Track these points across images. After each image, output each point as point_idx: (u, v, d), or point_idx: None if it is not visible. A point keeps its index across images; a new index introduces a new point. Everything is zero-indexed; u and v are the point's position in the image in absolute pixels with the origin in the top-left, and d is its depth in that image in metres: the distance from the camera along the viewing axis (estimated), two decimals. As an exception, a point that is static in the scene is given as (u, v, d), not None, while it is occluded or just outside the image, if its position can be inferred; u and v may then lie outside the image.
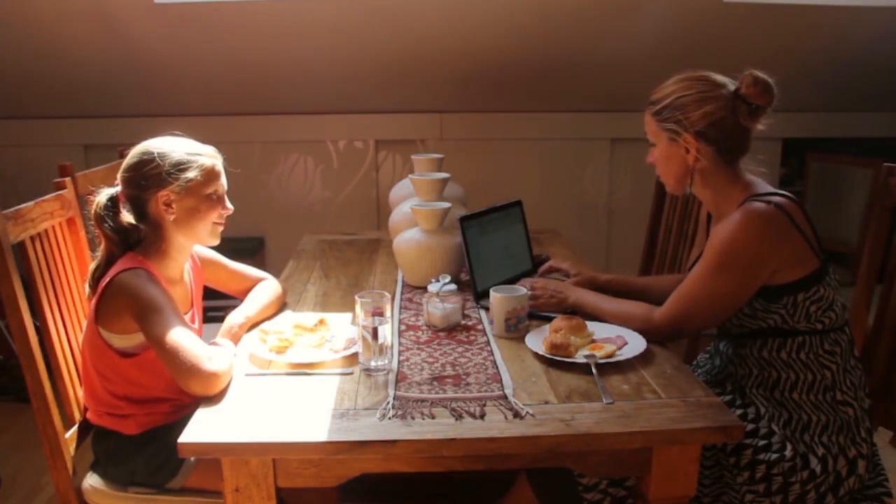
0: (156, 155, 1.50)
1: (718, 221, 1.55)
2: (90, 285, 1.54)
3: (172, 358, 1.35)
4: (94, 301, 1.49)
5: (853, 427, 1.43)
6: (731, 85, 1.48)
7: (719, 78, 1.50)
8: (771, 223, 1.41)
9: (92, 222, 1.54)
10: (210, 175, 1.54)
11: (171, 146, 1.53)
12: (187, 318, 1.62)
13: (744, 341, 1.52)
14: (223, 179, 1.59)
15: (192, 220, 1.53)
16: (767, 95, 1.44)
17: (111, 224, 1.50)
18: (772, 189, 1.49)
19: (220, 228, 1.60)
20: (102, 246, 1.54)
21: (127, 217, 1.50)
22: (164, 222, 1.52)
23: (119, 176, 1.53)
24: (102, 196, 1.52)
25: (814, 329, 1.45)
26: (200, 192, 1.52)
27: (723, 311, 1.49)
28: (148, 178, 1.49)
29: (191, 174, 1.50)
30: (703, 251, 1.50)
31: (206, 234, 1.57)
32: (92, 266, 1.56)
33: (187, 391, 1.35)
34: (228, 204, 1.60)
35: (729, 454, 1.42)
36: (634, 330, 1.56)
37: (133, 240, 1.53)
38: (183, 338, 1.37)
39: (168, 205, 1.50)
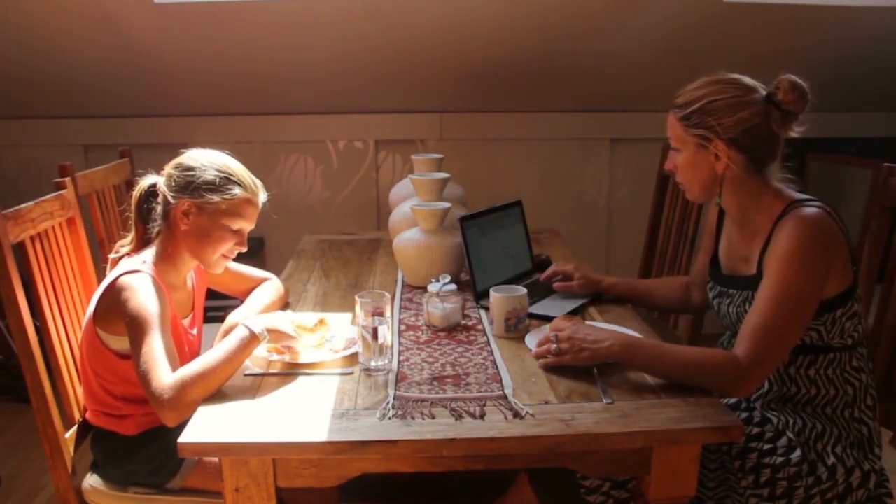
0: (197, 164, 1.51)
1: (746, 232, 1.49)
2: (113, 253, 1.60)
3: (142, 378, 1.32)
4: (94, 301, 1.49)
5: (866, 444, 1.42)
6: (762, 90, 1.42)
7: (750, 82, 1.43)
8: (829, 228, 1.36)
9: (133, 204, 1.58)
10: (237, 209, 1.52)
11: (219, 163, 1.53)
12: (187, 322, 1.62)
13: None
14: (252, 220, 1.56)
15: (200, 240, 1.53)
16: (803, 101, 1.38)
17: (142, 210, 1.55)
18: (806, 196, 1.44)
19: (227, 262, 1.60)
20: (134, 228, 1.59)
21: (157, 208, 1.53)
22: (177, 230, 1.52)
23: (164, 169, 1.56)
24: (146, 181, 1.56)
25: (845, 345, 1.41)
26: (218, 220, 1.51)
27: (802, 329, 1.37)
28: (180, 182, 1.50)
29: (216, 197, 1.50)
30: (765, 278, 1.36)
31: (211, 260, 1.56)
32: (119, 242, 1.61)
33: None
34: (244, 244, 1.58)
35: (734, 457, 1.40)
36: (716, 383, 1.33)
37: (151, 234, 1.55)
38: (154, 362, 1.32)
39: (186, 214, 1.50)
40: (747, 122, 1.39)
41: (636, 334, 1.52)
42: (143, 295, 1.40)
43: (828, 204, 1.41)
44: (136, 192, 1.58)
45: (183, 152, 1.56)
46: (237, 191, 1.52)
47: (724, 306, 1.54)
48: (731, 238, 1.57)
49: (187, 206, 1.50)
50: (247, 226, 1.56)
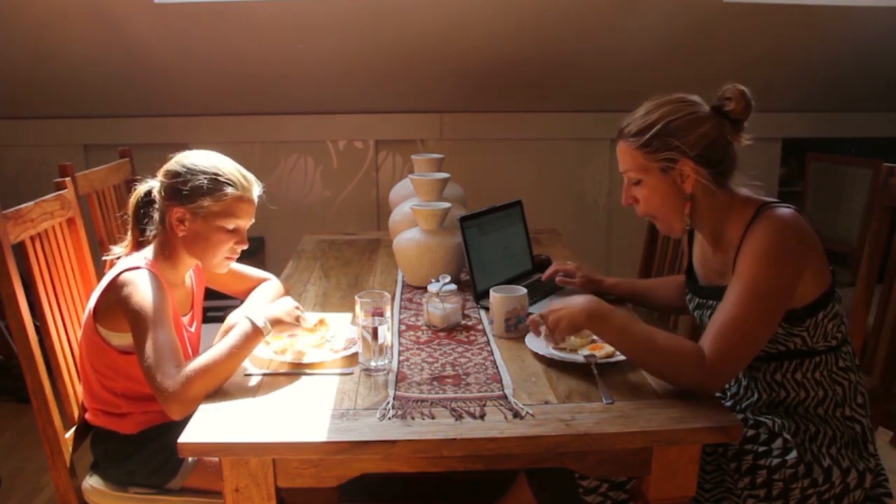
0: (185, 170, 1.49)
1: (721, 248, 1.46)
2: (106, 255, 1.61)
3: (146, 373, 1.33)
4: (94, 299, 1.49)
5: (860, 442, 1.42)
6: (704, 103, 1.40)
7: (694, 97, 1.41)
8: (802, 228, 1.34)
9: (129, 211, 1.58)
10: (230, 208, 1.50)
11: (206, 165, 1.50)
12: (186, 319, 1.62)
13: (756, 364, 1.44)
14: (248, 216, 1.54)
15: (199, 245, 1.52)
16: (749, 109, 1.37)
17: (139, 215, 1.54)
18: (775, 199, 1.42)
19: (230, 263, 1.58)
20: (130, 234, 1.59)
21: (154, 214, 1.53)
22: (175, 236, 1.52)
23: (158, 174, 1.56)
24: (143, 187, 1.56)
25: (829, 346, 1.40)
26: (213, 222, 1.50)
27: (770, 332, 1.34)
28: (170, 190, 1.50)
29: (207, 201, 1.48)
30: (735, 275, 1.34)
31: (213, 262, 1.55)
32: (117, 247, 1.60)
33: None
34: (245, 242, 1.55)
35: (730, 459, 1.40)
36: (677, 374, 1.31)
37: (148, 237, 1.54)
38: (159, 357, 1.33)
39: (181, 221, 1.50)
40: (708, 136, 1.38)
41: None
42: (144, 290, 1.41)
43: (799, 208, 1.39)
44: (133, 199, 1.57)
45: (171, 157, 1.54)
46: (228, 190, 1.50)
47: (706, 318, 1.50)
48: (704, 251, 1.54)
49: (181, 213, 1.49)
50: (243, 223, 1.54)
